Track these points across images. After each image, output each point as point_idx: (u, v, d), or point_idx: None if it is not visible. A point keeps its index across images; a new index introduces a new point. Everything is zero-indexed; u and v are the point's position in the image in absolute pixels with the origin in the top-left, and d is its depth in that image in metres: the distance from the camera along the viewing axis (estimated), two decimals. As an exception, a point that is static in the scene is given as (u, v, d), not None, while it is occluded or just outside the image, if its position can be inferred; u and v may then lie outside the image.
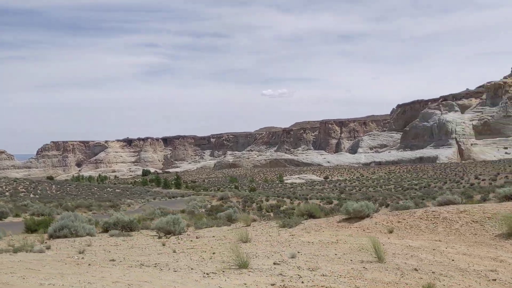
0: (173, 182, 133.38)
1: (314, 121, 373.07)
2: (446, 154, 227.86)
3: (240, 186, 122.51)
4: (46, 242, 15.68)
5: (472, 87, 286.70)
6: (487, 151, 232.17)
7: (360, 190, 74.69)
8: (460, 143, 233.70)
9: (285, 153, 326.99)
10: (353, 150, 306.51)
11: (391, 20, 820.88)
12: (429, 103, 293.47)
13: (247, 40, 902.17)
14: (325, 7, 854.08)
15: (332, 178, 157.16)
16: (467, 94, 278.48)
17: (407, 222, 14.82)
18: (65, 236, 17.29)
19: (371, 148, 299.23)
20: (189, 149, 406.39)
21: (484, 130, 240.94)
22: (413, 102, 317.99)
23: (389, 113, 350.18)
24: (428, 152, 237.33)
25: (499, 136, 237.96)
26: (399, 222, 15.00)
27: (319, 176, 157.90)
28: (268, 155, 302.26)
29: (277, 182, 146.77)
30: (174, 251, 12.20)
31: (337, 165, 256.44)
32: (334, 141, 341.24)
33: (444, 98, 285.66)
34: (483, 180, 75.88)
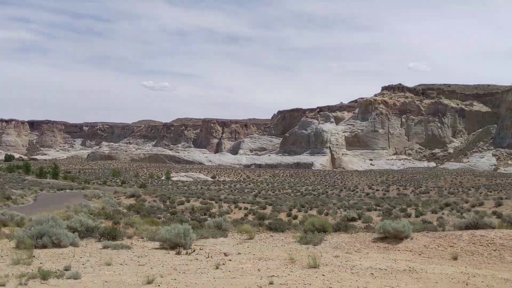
0: (49, 171, 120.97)
1: (196, 119, 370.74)
2: (321, 161, 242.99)
3: (126, 181, 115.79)
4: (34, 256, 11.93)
5: (346, 101, 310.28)
6: (355, 161, 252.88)
7: (274, 193, 75.10)
8: (333, 152, 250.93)
9: (164, 148, 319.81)
10: (234, 151, 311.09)
11: (276, 29, 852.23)
12: (307, 112, 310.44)
13: (130, 28, 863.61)
14: (213, 6, 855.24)
15: (219, 178, 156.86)
16: (341, 108, 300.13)
17: (461, 248, 14.00)
18: (44, 246, 13.46)
19: (251, 151, 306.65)
20: (58, 136, 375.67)
21: (354, 142, 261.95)
22: (293, 110, 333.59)
23: (269, 118, 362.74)
24: (305, 158, 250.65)
25: (366, 148, 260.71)
26: (451, 246, 14.14)
27: (206, 175, 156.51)
28: (148, 150, 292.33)
29: (163, 179, 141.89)
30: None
31: (219, 165, 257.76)
32: (215, 141, 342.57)
33: (321, 109, 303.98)
34: (376, 190, 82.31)
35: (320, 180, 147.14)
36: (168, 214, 32.24)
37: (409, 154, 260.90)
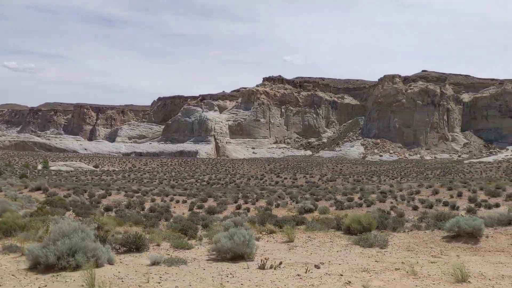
0: None
1: (67, 103, 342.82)
2: (205, 149, 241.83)
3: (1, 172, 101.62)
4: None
5: (228, 90, 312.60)
6: (239, 149, 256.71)
7: (177, 183, 71.03)
8: (217, 140, 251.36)
9: (31, 135, 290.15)
10: (111, 138, 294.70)
11: (154, 13, 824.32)
12: (189, 99, 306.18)
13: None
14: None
15: (102, 167, 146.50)
16: (223, 96, 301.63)
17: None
18: (78, 267, 9.87)
19: (130, 138, 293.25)
20: None
21: (237, 131, 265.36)
22: (174, 97, 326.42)
23: (149, 104, 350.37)
24: (189, 146, 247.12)
25: (249, 137, 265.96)
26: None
27: (88, 164, 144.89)
28: (14, 137, 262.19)
29: (39, 169, 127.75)
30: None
31: (96, 153, 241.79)
32: (89, 127, 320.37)
33: (203, 97, 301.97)
34: (285, 178, 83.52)
35: (212, 169, 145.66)
36: (121, 211, 27.89)
37: (288, 143, 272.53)
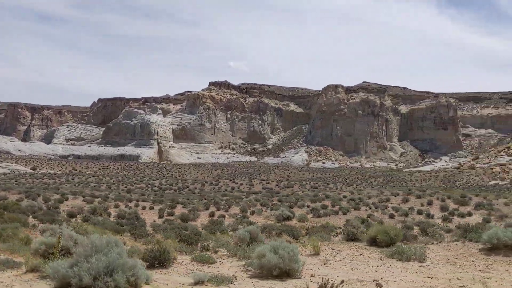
0: None
1: (0, 102, 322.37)
2: (148, 154, 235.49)
3: None
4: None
5: (172, 93, 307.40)
6: (182, 154, 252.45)
7: (126, 188, 67.77)
8: (160, 144, 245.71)
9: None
10: (47, 140, 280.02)
11: (96, 12, 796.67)
12: (131, 102, 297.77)
13: None
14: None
15: (40, 169, 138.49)
16: (167, 100, 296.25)
17: None
18: (115, 290, 8.56)
19: (67, 140, 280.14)
20: None
21: (181, 135, 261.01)
22: (115, 99, 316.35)
23: (88, 105, 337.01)
24: (130, 150, 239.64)
25: (193, 142, 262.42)
26: None
27: (25, 167, 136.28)
28: None
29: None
30: None
31: (31, 155, 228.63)
32: (23, 128, 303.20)
33: (146, 100, 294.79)
34: (241, 184, 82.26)
35: (157, 173, 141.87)
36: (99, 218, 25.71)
37: (233, 149, 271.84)
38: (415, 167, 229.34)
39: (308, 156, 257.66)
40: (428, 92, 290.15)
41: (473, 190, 79.72)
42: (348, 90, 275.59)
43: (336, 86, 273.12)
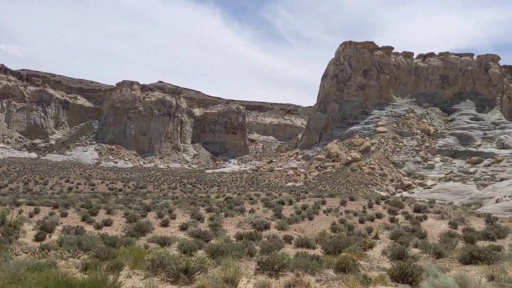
0: None
1: None
2: None
3: None
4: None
5: None
6: None
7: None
8: None
9: None
10: None
11: None
12: None
13: None
14: None
15: None
16: None
17: None
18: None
19: None
20: None
21: None
22: None
23: None
24: None
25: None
26: None
27: None
28: None
29: None
30: None
31: None
32: None
33: None
34: (79, 184, 67.30)
35: None
36: None
37: (8, 143, 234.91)
38: (206, 168, 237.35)
39: (98, 155, 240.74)
40: (219, 98, 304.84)
41: (277, 189, 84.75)
42: (144, 88, 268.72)
43: (132, 83, 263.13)
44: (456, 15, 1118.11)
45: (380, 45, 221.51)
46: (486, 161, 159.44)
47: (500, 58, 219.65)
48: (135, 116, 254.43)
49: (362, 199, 47.01)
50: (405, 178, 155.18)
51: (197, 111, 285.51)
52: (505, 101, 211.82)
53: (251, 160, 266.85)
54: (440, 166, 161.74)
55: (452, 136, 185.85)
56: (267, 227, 24.78)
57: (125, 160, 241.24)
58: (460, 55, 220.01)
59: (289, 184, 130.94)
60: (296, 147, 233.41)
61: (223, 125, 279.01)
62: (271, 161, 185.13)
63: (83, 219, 25.94)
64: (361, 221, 31.20)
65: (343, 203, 43.50)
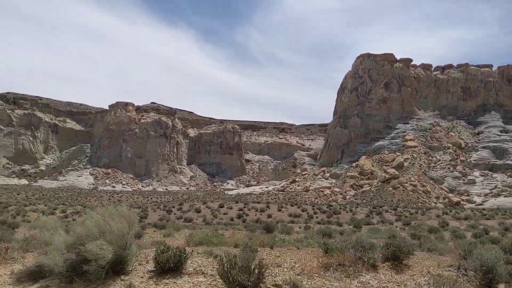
0: None
1: None
2: None
3: None
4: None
5: None
6: None
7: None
8: None
9: None
10: None
11: None
12: None
13: None
14: None
15: None
16: None
17: None
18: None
19: None
20: None
21: None
22: None
23: None
24: None
25: None
26: None
27: None
28: None
29: None
30: None
31: None
32: None
33: None
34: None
35: None
36: None
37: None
38: (205, 190, 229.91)
39: (94, 179, 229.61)
40: (211, 118, 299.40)
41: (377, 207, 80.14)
42: (139, 109, 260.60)
43: (127, 104, 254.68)
44: (422, 33, 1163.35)
45: (398, 57, 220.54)
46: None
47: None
48: (131, 138, 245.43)
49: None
50: (450, 194, 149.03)
51: (192, 132, 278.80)
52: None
53: (249, 181, 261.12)
54: (482, 181, 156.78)
55: (484, 149, 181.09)
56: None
57: (123, 184, 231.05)
58: (479, 66, 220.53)
59: (333, 203, 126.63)
60: (300, 164, 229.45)
61: (218, 145, 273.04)
62: (294, 181, 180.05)
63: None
64: None
65: None
